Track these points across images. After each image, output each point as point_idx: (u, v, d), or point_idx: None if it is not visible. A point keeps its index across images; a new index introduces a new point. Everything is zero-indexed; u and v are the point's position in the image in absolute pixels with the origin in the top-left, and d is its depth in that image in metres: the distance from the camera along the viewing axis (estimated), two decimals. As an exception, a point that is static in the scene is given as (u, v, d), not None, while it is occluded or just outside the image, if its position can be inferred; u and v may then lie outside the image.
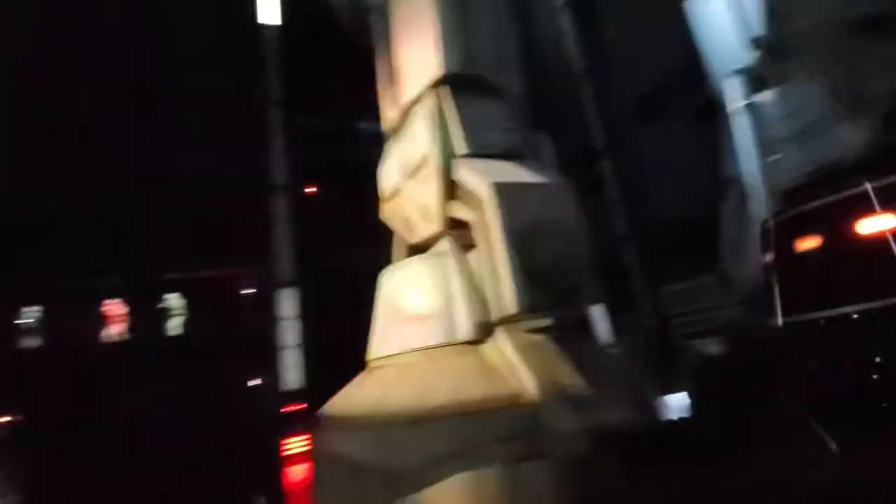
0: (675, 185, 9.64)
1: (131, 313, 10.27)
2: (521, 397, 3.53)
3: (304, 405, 9.17)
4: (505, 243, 3.71)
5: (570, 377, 3.51)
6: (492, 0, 4.74)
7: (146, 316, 10.48)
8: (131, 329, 10.22)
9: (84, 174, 9.74)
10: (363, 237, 11.49)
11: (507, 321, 3.77)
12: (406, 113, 5.09)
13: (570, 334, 3.85)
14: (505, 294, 3.69)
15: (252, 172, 11.46)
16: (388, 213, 5.61)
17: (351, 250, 11.27)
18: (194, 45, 11.39)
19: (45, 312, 10.27)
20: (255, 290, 11.27)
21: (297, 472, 8.17)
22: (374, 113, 6.36)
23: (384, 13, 5.44)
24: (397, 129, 5.35)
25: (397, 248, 5.71)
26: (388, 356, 4.50)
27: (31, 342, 9.95)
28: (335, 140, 12.42)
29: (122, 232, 10.06)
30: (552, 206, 3.90)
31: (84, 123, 9.79)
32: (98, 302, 10.25)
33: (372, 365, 4.78)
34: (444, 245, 4.58)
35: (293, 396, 9.77)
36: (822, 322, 4.83)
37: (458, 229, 4.52)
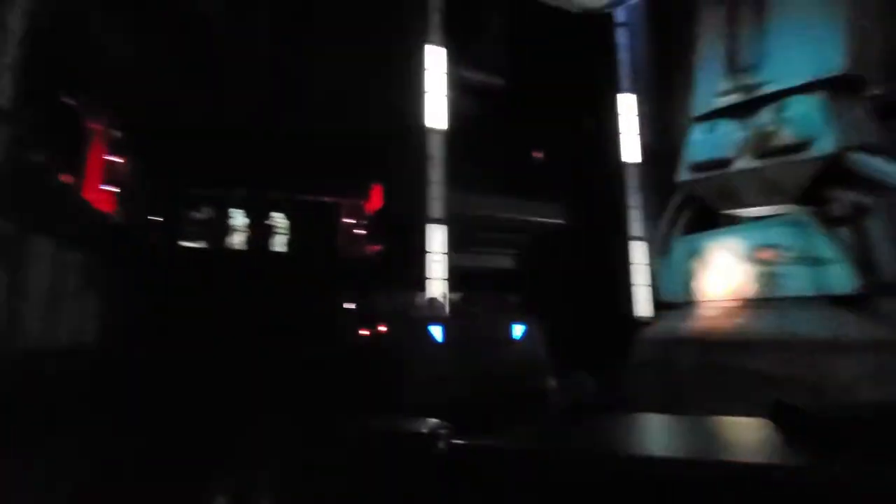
0: None
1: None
2: None
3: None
4: None
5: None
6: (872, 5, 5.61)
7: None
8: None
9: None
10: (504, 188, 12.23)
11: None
12: (762, 99, 5.92)
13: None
14: None
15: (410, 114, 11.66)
16: (697, 178, 6.46)
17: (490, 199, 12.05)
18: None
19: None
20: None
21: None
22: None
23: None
24: (736, 107, 6.18)
25: (675, 210, 6.62)
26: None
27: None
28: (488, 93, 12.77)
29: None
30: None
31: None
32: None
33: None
34: (800, 216, 5.58)
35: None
36: None
37: (814, 206, 5.53)
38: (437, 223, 11.90)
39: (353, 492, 1.88)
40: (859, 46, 5.41)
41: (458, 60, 13.59)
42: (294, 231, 12.20)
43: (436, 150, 12.12)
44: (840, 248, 5.33)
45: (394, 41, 11.77)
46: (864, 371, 4.65)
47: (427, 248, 11.47)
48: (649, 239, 9.86)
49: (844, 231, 5.39)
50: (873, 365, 4.65)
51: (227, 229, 11.43)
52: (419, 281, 11.39)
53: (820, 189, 5.57)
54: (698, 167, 6.45)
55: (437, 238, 11.66)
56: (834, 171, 5.44)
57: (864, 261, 5.17)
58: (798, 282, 5.42)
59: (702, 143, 6.44)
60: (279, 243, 11.91)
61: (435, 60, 11.77)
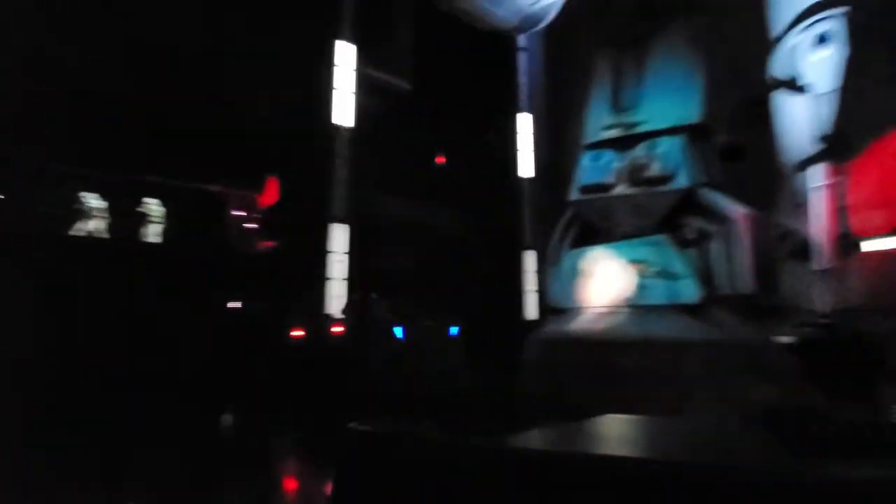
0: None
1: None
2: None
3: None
4: (744, 248, 6.10)
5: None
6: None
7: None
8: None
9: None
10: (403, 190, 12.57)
11: (731, 296, 6.18)
12: (638, 136, 7.02)
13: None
14: (738, 277, 6.08)
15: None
16: (583, 199, 7.43)
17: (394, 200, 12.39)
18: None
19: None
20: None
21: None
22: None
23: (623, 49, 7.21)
24: (617, 140, 7.23)
25: (567, 227, 7.57)
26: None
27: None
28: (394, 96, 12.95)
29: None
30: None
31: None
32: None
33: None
34: (660, 237, 6.72)
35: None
36: None
37: (671, 229, 6.70)
38: (340, 222, 11.76)
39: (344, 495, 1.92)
40: (712, 100, 6.71)
41: (367, 59, 13.58)
42: (171, 220, 11.12)
43: (341, 147, 11.96)
44: (689, 266, 6.54)
45: (304, 33, 11.43)
46: (701, 364, 5.82)
47: (328, 248, 11.31)
48: (540, 249, 10.87)
49: (693, 252, 6.62)
50: (707, 359, 5.83)
51: (79, 213, 9.95)
52: (319, 280, 11.23)
53: (676, 216, 6.77)
54: (585, 189, 7.41)
55: (338, 238, 11.53)
56: (687, 202, 6.66)
57: (705, 277, 6.42)
58: (658, 292, 6.54)
59: (589, 168, 7.41)
60: (152, 233, 10.77)
61: (345, 57, 11.62)
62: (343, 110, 11.30)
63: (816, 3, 7.36)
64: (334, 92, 11.43)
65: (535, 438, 2.04)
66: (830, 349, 5.55)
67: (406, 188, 14.10)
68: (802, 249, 6.92)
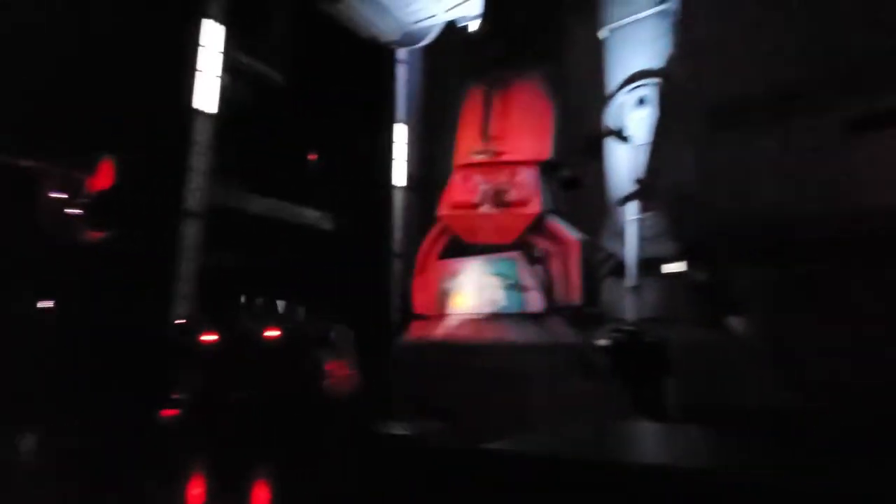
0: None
1: None
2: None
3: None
4: (576, 267, 7.38)
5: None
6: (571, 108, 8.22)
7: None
8: None
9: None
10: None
11: (565, 307, 7.42)
12: (502, 165, 7.99)
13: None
14: (571, 291, 7.33)
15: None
16: (452, 214, 8.18)
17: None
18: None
19: None
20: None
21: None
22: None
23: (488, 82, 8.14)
24: (484, 165, 8.13)
25: (435, 239, 8.30)
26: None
27: None
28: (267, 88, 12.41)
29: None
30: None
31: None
32: None
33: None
34: (513, 253, 7.74)
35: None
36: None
37: (523, 248, 7.77)
38: (194, 216, 10.93)
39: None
40: (561, 139, 7.97)
41: (239, 44, 12.82)
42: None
43: (201, 134, 11.09)
44: (536, 280, 7.67)
45: (167, 6, 10.40)
46: (542, 364, 6.94)
47: (179, 243, 10.44)
48: (408, 256, 11.41)
49: (539, 268, 7.78)
50: (548, 360, 6.97)
51: None
52: (168, 279, 10.33)
53: (527, 236, 7.89)
54: (454, 206, 8.17)
55: (191, 233, 10.69)
56: (537, 225, 7.80)
57: (547, 290, 7.61)
58: (510, 302, 7.55)
59: (459, 187, 8.19)
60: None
61: (212, 37, 10.88)
62: (205, 94, 10.52)
63: (639, 72, 9.18)
64: (197, 73, 10.60)
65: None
66: (632, 351, 7.07)
67: (274, 186, 13.59)
68: (619, 269, 8.64)
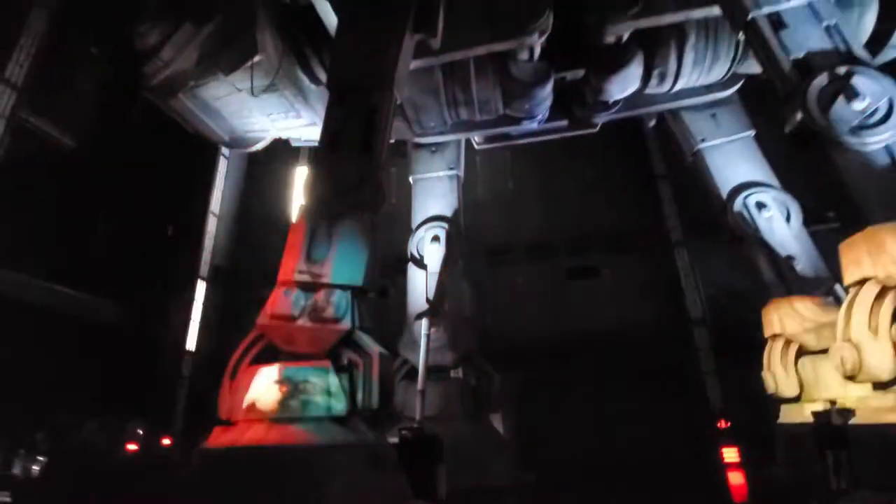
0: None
1: None
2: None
3: None
4: (375, 376, 9.00)
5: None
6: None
7: None
8: None
9: None
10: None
11: (366, 410, 8.87)
12: (322, 284, 9.38)
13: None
14: (372, 396, 8.84)
15: None
16: (272, 324, 9.11)
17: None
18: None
19: None
20: None
21: None
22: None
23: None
24: (306, 285, 9.40)
25: (251, 345, 9.13)
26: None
27: None
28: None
29: None
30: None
31: None
32: None
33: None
34: (324, 363, 9.00)
35: None
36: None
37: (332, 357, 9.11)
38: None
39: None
40: (372, 268, 9.84)
41: (26, 101, 12.23)
42: None
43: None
44: (342, 387, 9.01)
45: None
46: (345, 461, 8.14)
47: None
48: (206, 355, 11.49)
49: (344, 376, 9.18)
50: (349, 458, 8.21)
51: None
52: None
53: (338, 348, 9.27)
54: (274, 317, 9.12)
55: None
56: (346, 339, 9.27)
57: (351, 395, 9.01)
58: (319, 406, 8.66)
59: (281, 301, 9.22)
60: None
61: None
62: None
63: (433, 216, 11.93)
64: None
65: None
66: (414, 445, 8.87)
67: (46, 263, 12.58)
68: (412, 374, 10.63)
